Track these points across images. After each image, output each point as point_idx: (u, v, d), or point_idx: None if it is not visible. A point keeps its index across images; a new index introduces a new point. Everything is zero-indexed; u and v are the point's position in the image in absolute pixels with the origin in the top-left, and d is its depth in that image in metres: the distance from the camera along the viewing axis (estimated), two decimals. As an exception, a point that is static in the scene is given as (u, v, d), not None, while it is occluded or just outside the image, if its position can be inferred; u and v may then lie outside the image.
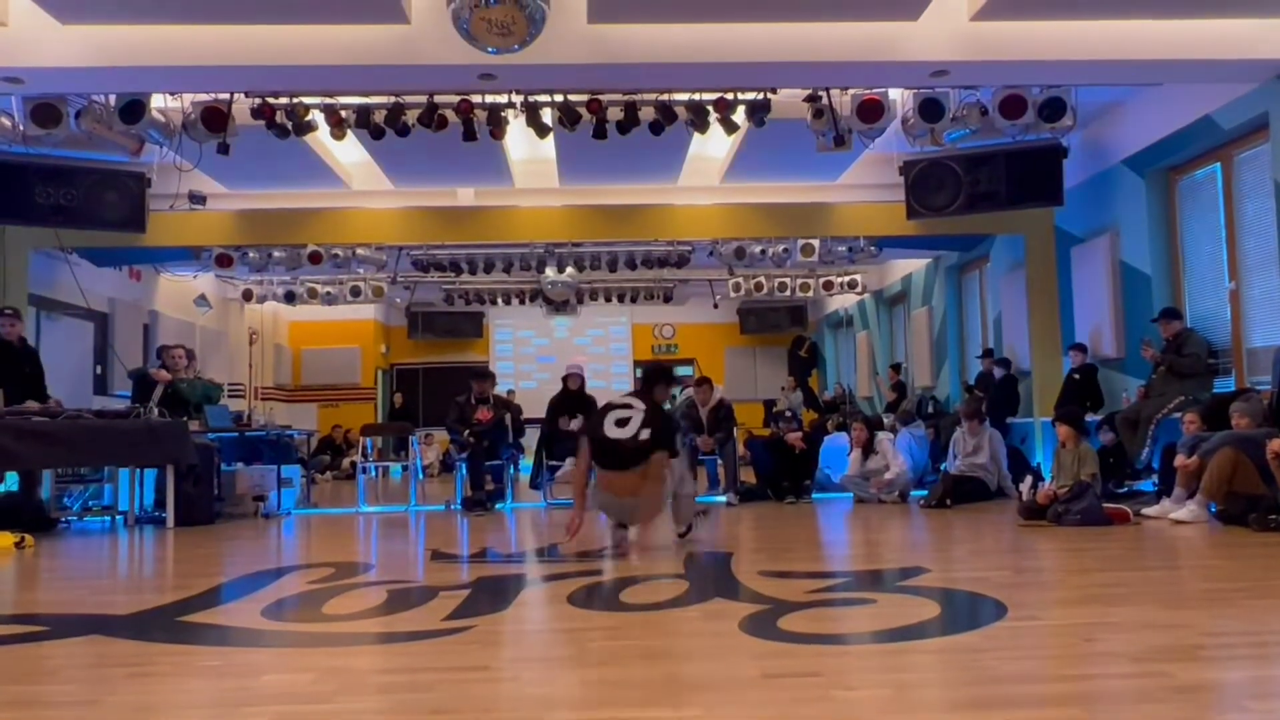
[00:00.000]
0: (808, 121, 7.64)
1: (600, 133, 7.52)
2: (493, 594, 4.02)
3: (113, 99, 7.26)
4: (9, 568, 5.16)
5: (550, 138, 8.08)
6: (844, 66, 6.65)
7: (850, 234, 10.90)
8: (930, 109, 7.48)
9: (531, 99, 7.36)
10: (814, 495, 8.50)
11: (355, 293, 13.22)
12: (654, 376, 5.69)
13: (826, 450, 9.06)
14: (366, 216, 10.60)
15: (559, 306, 15.59)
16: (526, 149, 9.43)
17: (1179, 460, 6.06)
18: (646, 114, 7.47)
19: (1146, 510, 6.17)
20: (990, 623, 3.21)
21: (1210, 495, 5.78)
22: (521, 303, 15.33)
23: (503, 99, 7.42)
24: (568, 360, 13.46)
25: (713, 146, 9.59)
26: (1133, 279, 8.60)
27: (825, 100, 7.45)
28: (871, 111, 7.36)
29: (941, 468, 8.55)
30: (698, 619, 3.43)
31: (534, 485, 8.89)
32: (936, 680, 2.61)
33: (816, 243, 11.12)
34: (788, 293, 13.83)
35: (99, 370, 10.91)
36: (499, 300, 15.22)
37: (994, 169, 8.38)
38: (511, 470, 8.75)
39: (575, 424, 8.48)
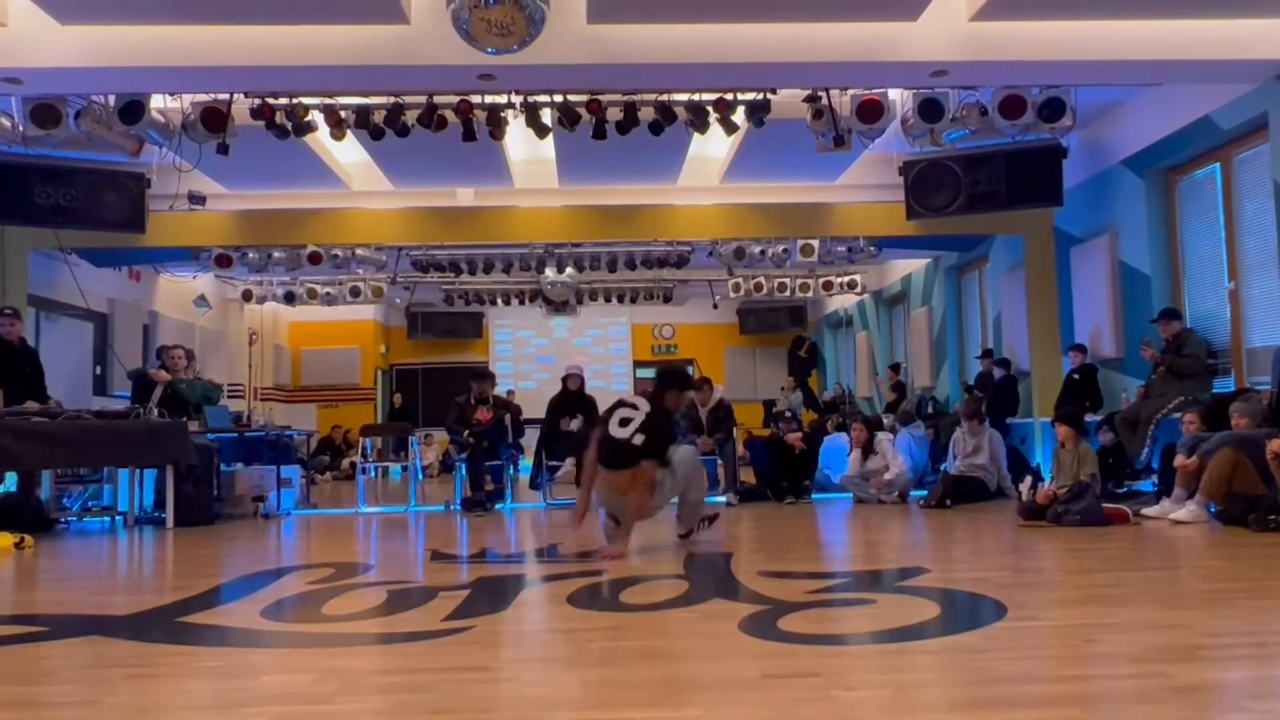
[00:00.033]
0: (807, 122, 7.63)
1: (600, 133, 7.52)
2: (492, 594, 4.02)
3: (112, 99, 7.25)
4: (8, 568, 5.16)
5: (550, 138, 8.08)
6: (844, 67, 6.65)
7: (850, 234, 10.90)
8: (930, 109, 7.48)
9: (531, 99, 7.36)
10: (814, 496, 8.49)
11: (355, 293, 13.22)
12: (667, 380, 5.47)
13: (826, 450, 9.06)
14: (366, 217, 10.60)
15: (559, 307, 15.58)
16: (526, 149, 9.43)
17: (1178, 460, 6.06)
18: (646, 114, 7.46)
19: (1146, 510, 6.17)
20: (990, 623, 3.22)
21: (1210, 495, 5.79)
22: (521, 303, 15.32)
23: (502, 99, 7.42)
24: (567, 361, 13.44)
25: (712, 147, 9.58)
26: (1132, 279, 8.60)
27: (825, 100, 7.45)
28: (871, 112, 7.37)
29: (941, 468, 8.55)
30: (698, 619, 3.43)
31: (534, 486, 8.87)
32: (936, 680, 2.61)
33: (816, 243, 11.12)
34: (787, 293, 13.83)
35: (99, 371, 10.91)
36: (499, 301, 15.21)
37: (993, 169, 8.37)
38: (511, 471, 8.74)
39: (575, 424, 8.50)
